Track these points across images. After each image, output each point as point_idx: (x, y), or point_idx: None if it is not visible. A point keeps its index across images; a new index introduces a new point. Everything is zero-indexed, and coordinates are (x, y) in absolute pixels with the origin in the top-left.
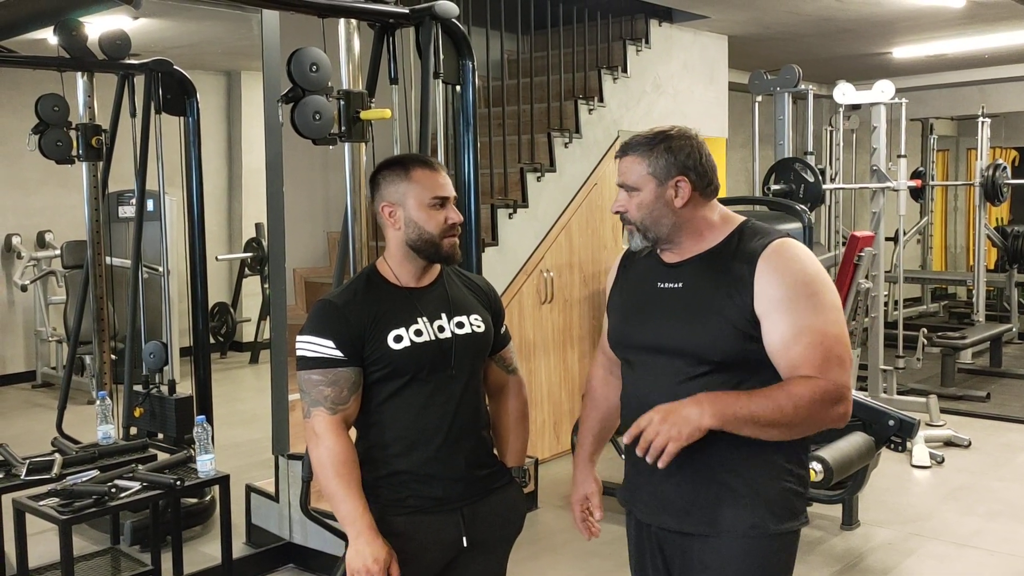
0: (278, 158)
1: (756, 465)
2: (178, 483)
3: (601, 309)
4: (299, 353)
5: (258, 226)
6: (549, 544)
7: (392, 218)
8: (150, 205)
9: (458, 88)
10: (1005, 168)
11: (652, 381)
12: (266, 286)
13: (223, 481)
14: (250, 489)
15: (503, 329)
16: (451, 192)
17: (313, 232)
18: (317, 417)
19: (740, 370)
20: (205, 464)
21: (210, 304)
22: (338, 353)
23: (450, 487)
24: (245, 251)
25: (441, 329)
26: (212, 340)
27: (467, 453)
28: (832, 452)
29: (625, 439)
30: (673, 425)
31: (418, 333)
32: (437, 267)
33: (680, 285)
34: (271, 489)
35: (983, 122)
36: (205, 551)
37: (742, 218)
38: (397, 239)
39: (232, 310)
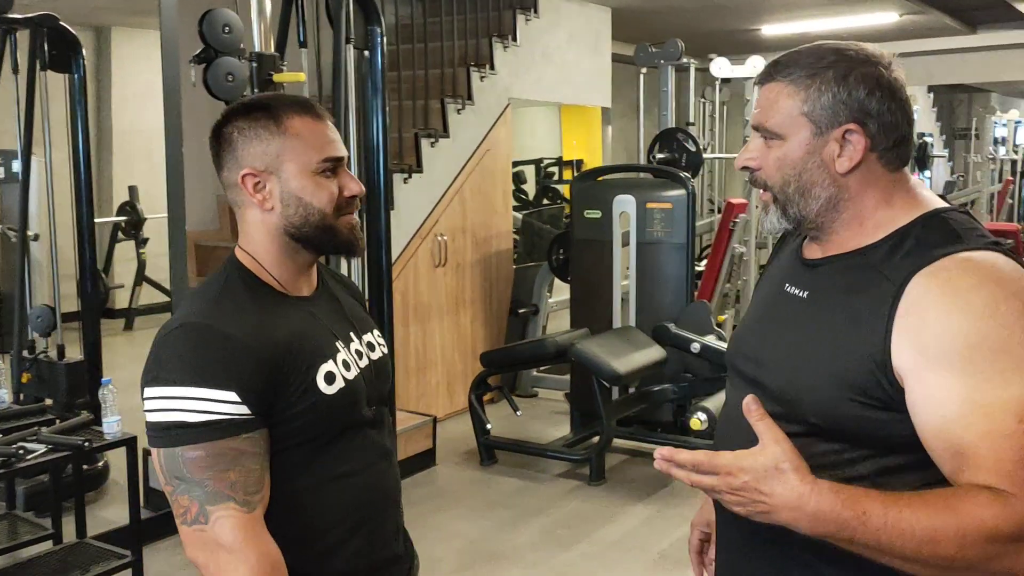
0: (177, 120)
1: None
2: (86, 444)
3: (495, 272)
4: (169, 417)
5: (132, 189)
6: (452, 497)
7: (259, 193)
8: (15, 166)
9: (366, 53)
10: None
11: (737, 427)
12: (142, 251)
13: (131, 443)
14: (147, 453)
15: None
16: (344, 151)
17: (202, 194)
18: (227, 521)
19: (855, 445)
20: (112, 426)
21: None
22: (244, 410)
23: None
24: (118, 215)
25: (359, 355)
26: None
27: (399, 525)
28: (715, 403)
29: (656, 456)
30: (740, 504)
31: (346, 365)
32: (315, 265)
33: (806, 295)
34: None
35: None
36: (102, 515)
37: (939, 204)
38: (268, 225)
39: (104, 276)
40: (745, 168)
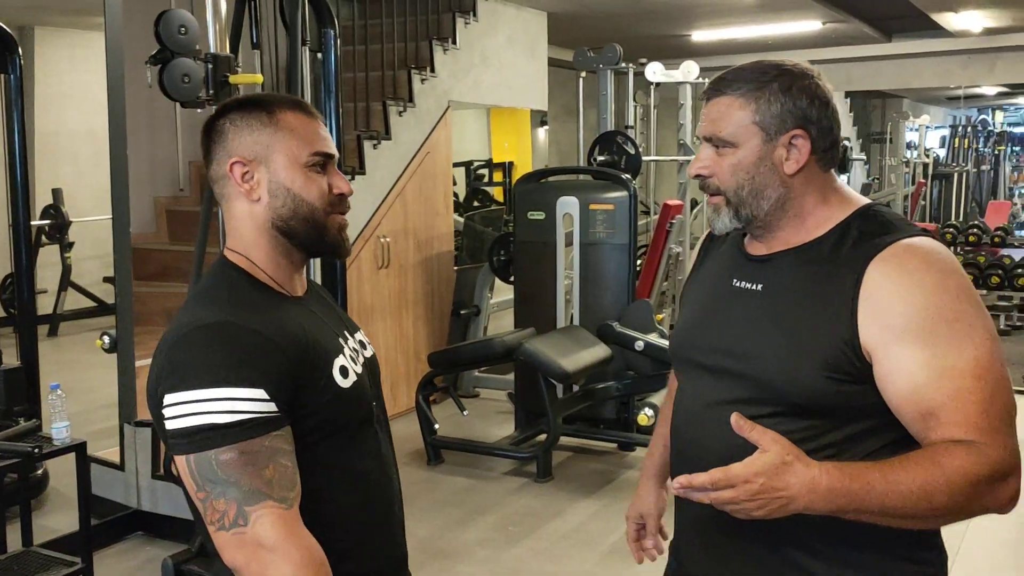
0: (121, 121)
1: (854, 542)
2: (36, 450)
3: (437, 274)
4: (197, 421)
5: (56, 192)
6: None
7: (247, 182)
8: None
9: (319, 55)
10: None
11: (704, 416)
12: (67, 255)
13: (80, 448)
14: (90, 459)
15: None
16: (335, 149)
17: (139, 196)
18: (266, 519)
19: (827, 418)
20: (61, 432)
21: (1, 275)
22: (272, 407)
23: None
24: (42, 218)
25: (356, 353)
26: (4, 313)
27: (401, 524)
28: (661, 398)
29: (674, 486)
30: (762, 507)
31: (353, 360)
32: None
33: (759, 288)
34: (113, 458)
35: None
36: (43, 524)
37: (864, 200)
38: (256, 218)
39: None
40: (698, 176)
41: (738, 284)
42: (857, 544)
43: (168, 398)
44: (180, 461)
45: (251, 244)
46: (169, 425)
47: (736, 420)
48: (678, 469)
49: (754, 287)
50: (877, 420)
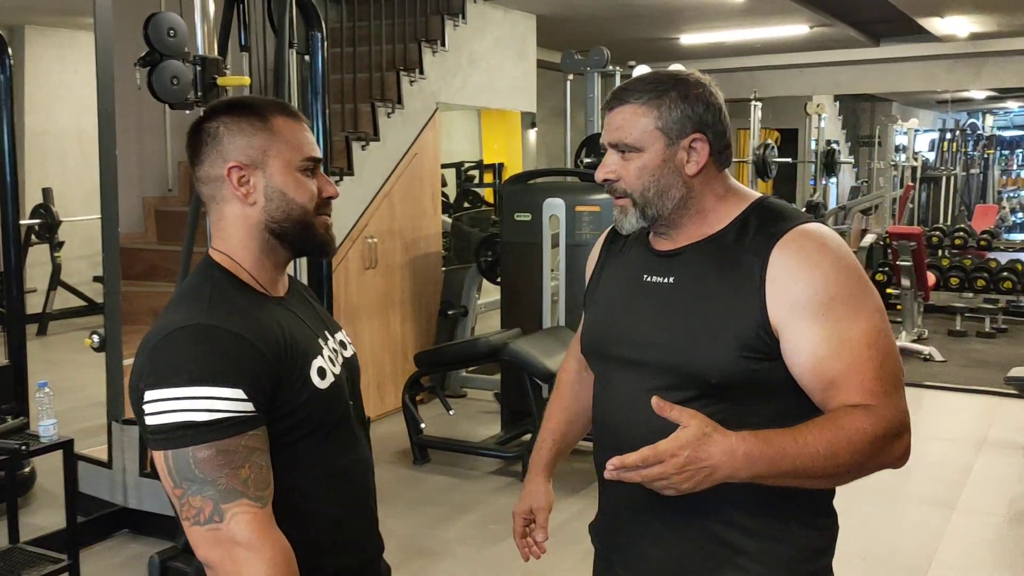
0: (111, 121)
1: (768, 513)
2: (23, 448)
3: (424, 275)
4: (176, 418)
5: (46, 191)
6: (384, 496)
7: (243, 186)
8: None
9: (306, 57)
10: (773, 147)
11: (628, 406)
12: (57, 254)
13: (67, 446)
14: (77, 457)
15: None
16: (321, 153)
17: (128, 196)
18: (242, 517)
19: (743, 397)
20: (48, 429)
21: None
22: (250, 407)
23: None
24: (31, 218)
25: (336, 353)
26: None
27: (375, 518)
28: None
29: (607, 473)
30: (689, 479)
31: (332, 361)
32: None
33: (671, 280)
34: (101, 456)
35: (755, 105)
36: (30, 522)
37: (757, 194)
38: (248, 220)
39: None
40: (606, 180)
41: (649, 279)
42: (773, 516)
43: (148, 395)
44: (158, 457)
45: (239, 245)
46: (149, 421)
47: (656, 402)
48: (603, 461)
49: (665, 280)
50: (787, 396)
